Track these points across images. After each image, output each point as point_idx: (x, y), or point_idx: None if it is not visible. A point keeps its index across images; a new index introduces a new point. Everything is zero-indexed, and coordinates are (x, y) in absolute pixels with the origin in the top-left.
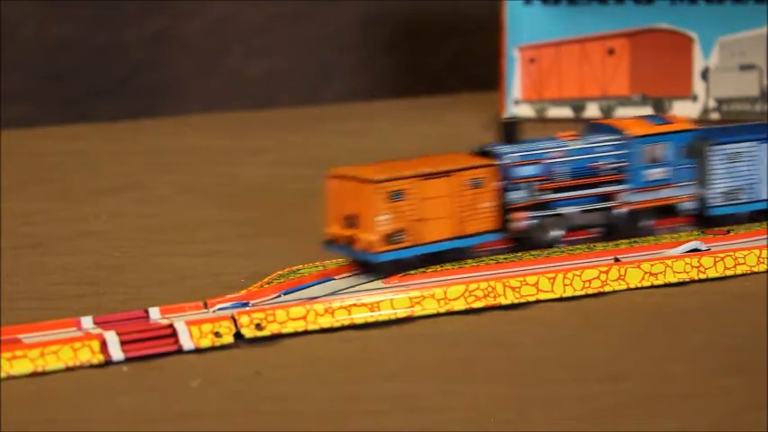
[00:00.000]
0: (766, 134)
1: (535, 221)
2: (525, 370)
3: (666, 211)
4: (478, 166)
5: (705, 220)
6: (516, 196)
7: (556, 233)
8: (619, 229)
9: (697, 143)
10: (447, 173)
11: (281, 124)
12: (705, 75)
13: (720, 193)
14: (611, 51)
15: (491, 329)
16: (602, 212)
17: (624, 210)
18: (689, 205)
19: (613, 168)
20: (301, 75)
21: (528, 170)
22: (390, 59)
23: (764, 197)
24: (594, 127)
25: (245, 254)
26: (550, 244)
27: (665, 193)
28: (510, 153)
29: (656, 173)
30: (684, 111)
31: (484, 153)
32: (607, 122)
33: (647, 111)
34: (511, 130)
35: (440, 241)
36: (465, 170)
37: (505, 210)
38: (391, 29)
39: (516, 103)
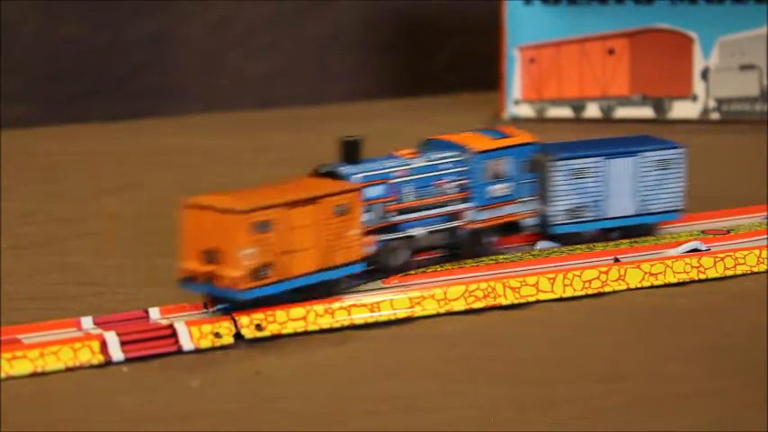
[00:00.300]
0: (613, 150)
1: (383, 245)
2: (525, 370)
3: (510, 229)
4: (344, 191)
5: (549, 239)
6: (365, 219)
7: (404, 256)
8: (461, 249)
9: (539, 158)
10: (314, 199)
11: (281, 124)
12: (705, 75)
13: (564, 210)
14: (611, 51)
15: (491, 329)
16: (447, 232)
17: (468, 229)
18: (531, 221)
19: (457, 186)
20: (301, 75)
21: (375, 191)
22: (390, 59)
23: (612, 215)
24: (433, 143)
25: None
26: (400, 269)
27: (507, 209)
28: (355, 174)
29: (499, 189)
30: (684, 111)
31: (327, 174)
32: (446, 138)
33: (648, 111)
34: (352, 149)
35: (307, 275)
36: (331, 196)
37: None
38: (391, 29)
39: (516, 103)
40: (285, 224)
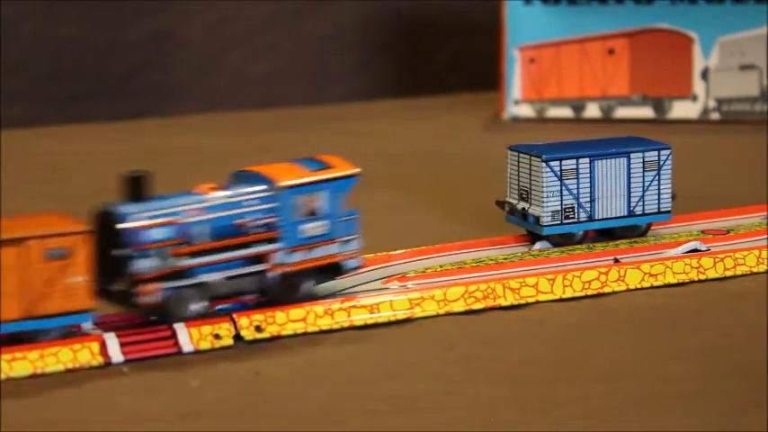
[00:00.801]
0: (602, 151)
1: (171, 293)
2: (525, 370)
3: (330, 271)
4: (62, 234)
5: (544, 239)
6: (145, 265)
7: (197, 306)
8: (273, 295)
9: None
10: (17, 240)
11: (281, 124)
12: (705, 75)
13: (553, 211)
14: (611, 51)
15: (491, 329)
16: (255, 277)
17: (278, 272)
18: (354, 263)
19: (262, 225)
20: (301, 75)
21: (159, 233)
22: (390, 59)
23: (603, 216)
24: (242, 176)
25: None
26: (193, 317)
27: (324, 250)
28: (136, 213)
29: (313, 227)
30: (684, 111)
31: (103, 214)
32: (255, 170)
33: (648, 111)
34: (136, 186)
35: (6, 322)
36: (41, 238)
37: (133, 281)
38: (391, 29)
39: (516, 103)
40: None
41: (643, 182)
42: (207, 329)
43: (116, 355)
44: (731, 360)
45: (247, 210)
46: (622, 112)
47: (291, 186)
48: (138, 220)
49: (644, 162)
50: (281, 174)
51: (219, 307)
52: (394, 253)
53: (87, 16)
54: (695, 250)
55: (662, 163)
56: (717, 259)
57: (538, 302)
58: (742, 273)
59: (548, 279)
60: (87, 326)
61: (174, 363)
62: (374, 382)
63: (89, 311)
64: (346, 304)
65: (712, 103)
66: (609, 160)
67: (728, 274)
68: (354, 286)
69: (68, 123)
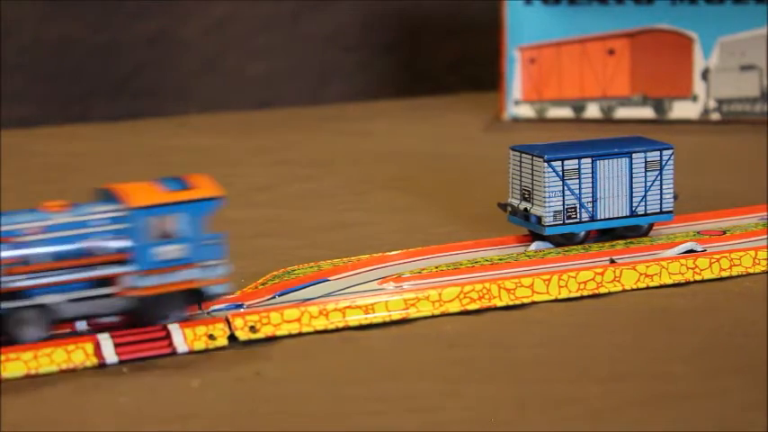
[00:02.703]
0: (606, 151)
1: (7, 314)
2: (525, 370)
3: (193, 297)
4: None
5: (542, 239)
6: None
7: (38, 328)
8: (141, 317)
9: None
10: None
11: (281, 124)
12: (705, 75)
13: (555, 211)
14: (611, 51)
15: (491, 329)
16: (106, 300)
17: (134, 296)
18: (220, 289)
19: (110, 247)
20: (301, 75)
21: None
22: (390, 59)
23: (605, 216)
24: (102, 194)
25: (243, 254)
26: (33, 340)
27: (182, 275)
28: None
29: (168, 251)
30: (685, 111)
31: None
32: (113, 189)
33: (648, 111)
34: None
35: None
36: None
37: None
38: (391, 29)
39: (516, 103)
40: None
41: (645, 182)
42: (201, 330)
43: (110, 355)
44: (731, 360)
45: (94, 230)
46: (623, 113)
47: (143, 207)
48: None
49: (646, 162)
50: (135, 193)
51: (213, 309)
52: (390, 254)
53: (87, 17)
54: (691, 251)
55: (664, 163)
56: (713, 260)
57: (533, 303)
58: (738, 273)
59: (543, 280)
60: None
61: (174, 363)
62: (374, 383)
63: None
64: (341, 305)
65: (713, 104)
66: (611, 160)
67: (724, 274)
68: (350, 287)
69: (68, 123)
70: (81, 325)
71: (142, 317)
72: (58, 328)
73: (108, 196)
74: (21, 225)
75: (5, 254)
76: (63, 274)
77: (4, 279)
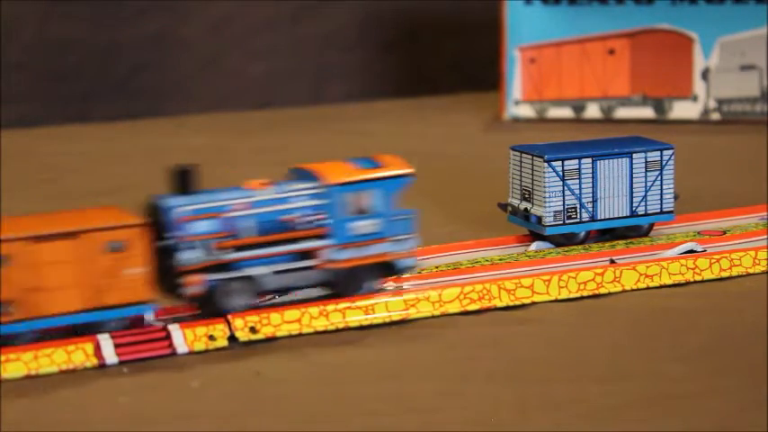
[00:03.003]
0: (607, 151)
1: (216, 285)
2: (525, 370)
3: (384, 270)
4: (118, 227)
5: (543, 239)
6: (190, 257)
7: (244, 298)
8: (338, 289)
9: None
10: (72, 234)
11: (281, 124)
12: (705, 75)
13: (555, 211)
14: (611, 51)
15: (491, 329)
16: (305, 272)
17: (336, 268)
18: (410, 262)
19: (310, 222)
20: (301, 75)
21: (203, 226)
22: (390, 59)
23: (605, 216)
24: (297, 173)
25: None
26: (239, 309)
27: (375, 249)
28: (182, 206)
29: (363, 225)
30: (685, 111)
31: (153, 206)
32: (308, 168)
33: (648, 111)
34: (183, 179)
35: (66, 314)
36: (98, 231)
37: (177, 273)
38: (391, 29)
39: (516, 103)
40: (29, 259)
41: (645, 182)
42: (201, 330)
43: (110, 356)
44: (731, 360)
45: (295, 206)
46: (623, 113)
47: (340, 184)
48: (183, 212)
49: (646, 162)
50: (331, 171)
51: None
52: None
53: (87, 16)
54: (691, 251)
55: (665, 163)
56: (713, 260)
57: (533, 303)
58: (738, 274)
59: (543, 280)
60: (149, 317)
61: (174, 363)
62: (374, 382)
63: (149, 303)
64: (341, 305)
65: (713, 104)
66: (611, 160)
67: (724, 275)
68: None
69: (68, 123)
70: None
71: (338, 289)
72: (263, 298)
73: (304, 175)
74: (228, 201)
75: (216, 228)
76: (268, 248)
77: (214, 252)
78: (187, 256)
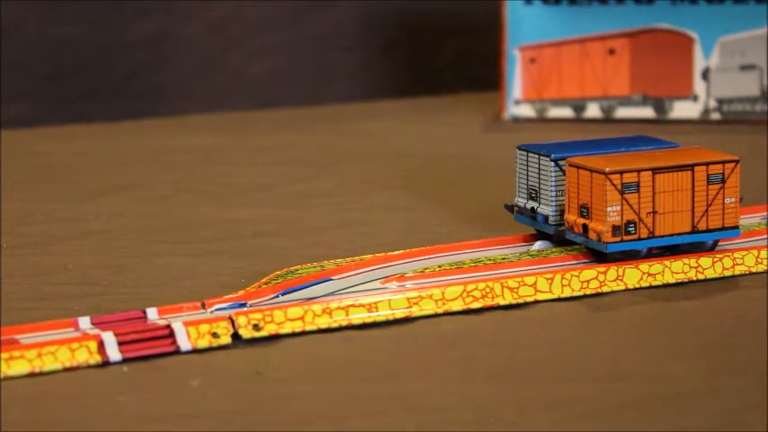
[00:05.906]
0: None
1: None
2: (525, 370)
3: None
4: (720, 162)
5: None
6: None
7: None
8: None
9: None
10: (686, 167)
11: (281, 124)
12: (706, 75)
13: (561, 210)
14: (611, 51)
15: (491, 329)
16: None
17: None
18: None
19: None
20: (301, 75)
21: None
22: (390, 59)
23: None
24: None
25: (244, 254)
26: None
27: None
28: None
29: None
30: (685, 111)
31: None
32: None
33: (648, 111)
34: None
35: (674, 235)
36: (705, 165)
37: None
38: (391, 29)
39: (516, 103)
40: (654, 187)
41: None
42: (205, 328)
43: (114, 353)
44: (731, 360)
45: None
46: (623, 112)
47: None
48: None
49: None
50: None
51: (216, 307)
52: (393, 254)
53: (87, 16)
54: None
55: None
56: (715, 259)
57: (536, 302)
58: (740, 272)
59: (546, 278)
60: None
61: (175, 362)
62: (375, 382)
63: (737, 228)
64: (344, 303)
65: (713, 103)
66: None
67: (727, 273)
68: (352, 286)
69: (68, 123)
70: (84, 323)
71: None
72: None
73: None
74: None
75: None
76: None
77: None
78: None
